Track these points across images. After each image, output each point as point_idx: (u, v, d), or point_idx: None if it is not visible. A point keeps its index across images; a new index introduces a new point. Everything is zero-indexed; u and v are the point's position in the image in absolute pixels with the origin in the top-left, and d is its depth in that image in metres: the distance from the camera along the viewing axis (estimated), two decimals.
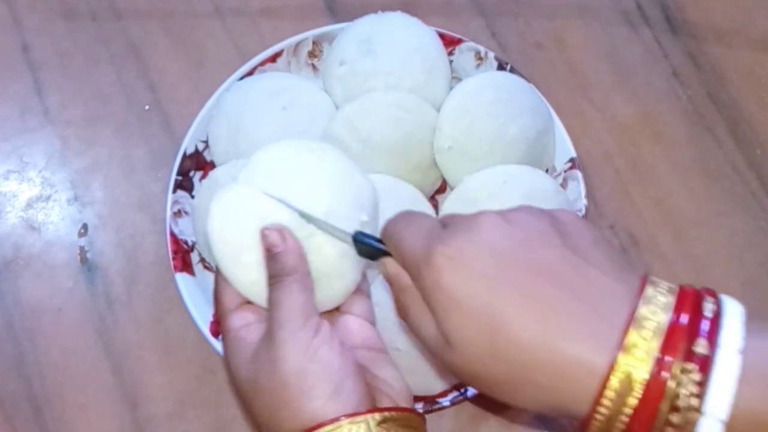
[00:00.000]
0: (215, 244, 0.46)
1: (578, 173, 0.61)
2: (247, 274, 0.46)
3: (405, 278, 0.41)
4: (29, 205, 0.65)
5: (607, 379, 0.34)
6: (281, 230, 0.44)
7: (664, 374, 0.33)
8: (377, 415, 0.41)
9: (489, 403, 0.59)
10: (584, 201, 0.61)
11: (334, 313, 0.48)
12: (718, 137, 0.68)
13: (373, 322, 0.49)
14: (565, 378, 0.35)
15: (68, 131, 0.67)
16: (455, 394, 0.57)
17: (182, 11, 0.70)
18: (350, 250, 0.46)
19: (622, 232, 0.65)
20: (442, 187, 0.63)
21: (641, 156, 0.67)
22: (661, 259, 0.64)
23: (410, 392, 0.46)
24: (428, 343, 0.40)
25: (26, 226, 0.64)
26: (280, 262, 0.44)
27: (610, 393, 0.34)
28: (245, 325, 0.45)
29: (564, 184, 0.62)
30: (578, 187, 0.61)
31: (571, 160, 0.62)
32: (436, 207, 0.61)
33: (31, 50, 0.69)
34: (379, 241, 0.45)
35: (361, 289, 0.49)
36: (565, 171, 0.62)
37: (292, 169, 0.47)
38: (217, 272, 0.48)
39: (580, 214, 0.60)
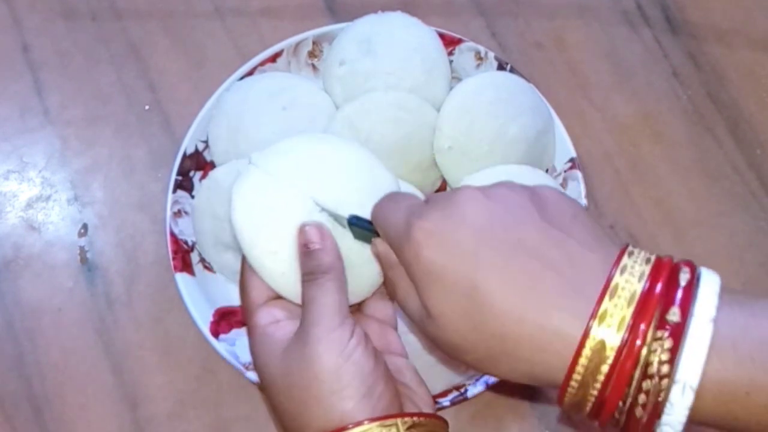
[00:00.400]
0: (243, 232, 0.45)
1: (578, 173, 0.61)
2: (278, 265, 0.45)
3: (392, 255, 0.42)
4: (29, 205, 0.65)
5: (581, 346, 0.35)
6: (320, 227, 0.44)
7: (637, 342, 0.34)
8: (407, 420, 0.41)
9: (504, 388, 0.59)
10: (584, 201, 0.61)
11: (357, 316, 0.48)
12: (718, 137, 0.68)
13: (395, 327, 0.49)
14: (543, 349, 0.36)
15: (68, 131, 0.67)
16: (455, 394, 0.57)
17: (182, 11, 0.70)
18: (367, 247, 0.46)
19: (622, 232, 0.65)
20: (442, 187, 0.64)
21: (641, 156, 0.67)
22: None
23: (431, 398, 0.46)
24: (413, 317, 0.41)
25: (26, 226, 0.64)
26: (317, 260, 0.44)
27: (583, 360, 0.35)
28: (274, 322, 0.45)
29: (564, 184, 0.62)
30: (578, 187, 0.61)
31: (571, 160, 0.62)
32: None
33: (31, 50, 0.69)
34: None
35: (383, 292, 0.48)
36: (565, 171, 0.62)
37: (313, 160, 0.46)
38: (244, 264, 0.47)
39: None
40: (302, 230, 0.44)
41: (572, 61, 0.70)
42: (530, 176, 0.58)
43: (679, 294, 0.35)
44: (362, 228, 0.45)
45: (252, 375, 0.56)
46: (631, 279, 0.35)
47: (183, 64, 0.68)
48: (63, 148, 0.66)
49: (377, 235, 0.44)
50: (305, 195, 0.45)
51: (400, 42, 0.62)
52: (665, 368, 0.34)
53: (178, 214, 0.61)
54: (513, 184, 0.41)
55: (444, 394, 0.57)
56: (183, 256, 0.60)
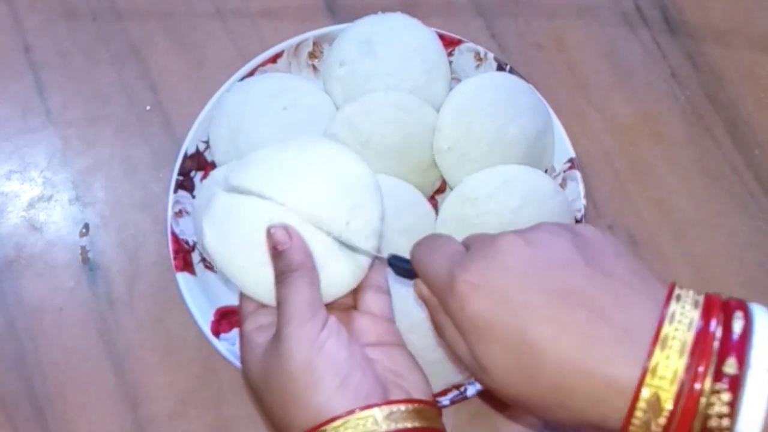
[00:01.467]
0: (215, 256, 0.46)
1: (577, 173, 0.62)
2: (249, 277, 0.46)
3: (435, 300, 0.42)
4: (31, 205, 0.65)
5: (635, 399, 0.34)
6: (286, 227, 0.44)
7: (694, 394, 0.33)
8: (384, 408, 0.41)
9: (492, 401, 0.59)
10: (583, 201, 0.61)
11: (349, 311, 0.48)
12: (716, 137, 0.68)
13: (390, 318, 0.49)
14: (598, 400, 0.35)
15: (69, 131, 0.67)
16: (455, 393, 0.57)
17: (183, 12, 0.70)
18: (333, 245, 0.46)
19: (621, 232, 0.65)
20: (442, 187, 0.64)
21: (640, 156, 0.67)
22: (661, 258, 0.64)
23: (427, 384, 0.46)
24: (465, 364, 0.40)
25: (28, 226, 0.64)
26: (287, 259, 0.44)
27: (638, 413, 0.34)
28: (257, 328, 0.46)
29: (563, 184, 0.62)
30: (577, 187, 0.61)
31: (571, 160, 0.62)
32: (435, 207, 0.62)
33: (32, 50, 0.69)
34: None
35: (379, 286, 0.49)
36: (564, 171, 0.62)
37: (278, 167, 0.46)
38: None
39: (580, 215, 0.60)
40: (269, 233, 0.45)
41: (571, 62, 0.70)
42: (529, 176, 0.59)
43: (734, 340, 0.34)
44: (402, 268, 0.46)
45: None
46: (681, 327, 0.35)
47: (184, 64, 0.69)
48: (64, 148, 0.66)
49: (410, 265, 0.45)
50: (270, 204, 0.45)
51: (400, 43, 0.62)
52: (725, 422, 0.33)
53: (179, 213, 0.61)
54: (551, 226, 0.40)
55: (444, 393, 0.57)
56: (184, 255, 0.60)
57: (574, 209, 0.61)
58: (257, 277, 0.45)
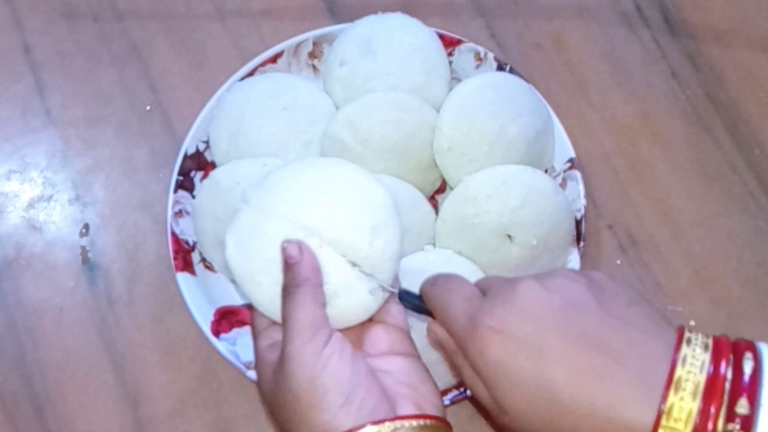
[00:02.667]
0: (234, 270, 0.47)
1: (577, 173, 0.62)
2: (264, 293, 0.46)
3: (452, 342, 0.43)
4: (31, 205, 0.65)
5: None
6: (300, 243, 0.45)
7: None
8: (388, 424, 0.41)
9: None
10: (583, 201, 0.61)
11: (364, 323, 0.48)
12: (716, 138, 0.68)
13: (405, 328, 0.49)
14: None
15: (70, 131, 0.67)
16: (455, 393, 0.57)
17: (183, 12, 0.71)
18: (352, 271, 0.46)
19: (620, 232, 0.65)
20: (442, 187, 0.64)
21: (640, 156, 0.67)
22: (660, 259, 0.64)
23: (438, 398, 0.45)
24: (485, 405, 0.42)
25: (28, 225, 0.64)
26: (293, 273, 0.44)
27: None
28: (270, 345, 0.46)
29: (563, 184, 0.62)
30: (577, 187, 0.61)
31: (570, 160, 0.62)
32: (435, 207, 0.62)
33: (32, 51, 0.69)
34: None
35: (394, 299, 0.49)
36: (564, 171, 0.63)
37: (301, 189, 0.47)
38: None
39: (579, 214, 0.60)
40: (283, 247, 0.45)
41: (571, 62, 0.70)
42: (529, 176, 0.59)
43: (745, 382, 0.35)
44: (412, 303, 0.47)
45: (252, 374, 0.56)
46: (693, 370, 0.36)
47: (184, 64, 0.69)
48: (64, 148, 0.66)
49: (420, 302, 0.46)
50: (294, 225, 0.46)
51: (400, 43, 0.62)
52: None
53: (179, 214, 0.61)
54: (568, 273, 0.42)
55: (444, 393, 0.57)
56: (184, 255, 0.60)
57: (574, 209, 0.61)
58: (271, 295, 0.45)
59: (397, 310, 0.49)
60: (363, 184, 0.47)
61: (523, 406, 0.39)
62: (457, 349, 0.43)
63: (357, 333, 0.47)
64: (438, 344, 0.45)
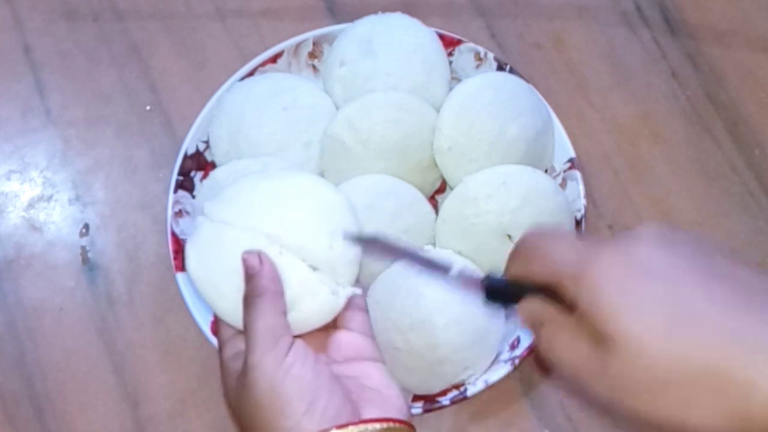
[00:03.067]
0: (196, 282, 0.47)
1: (577, 173, 0.62)
2: (227, 303, 0.46)
3: (548, 310, 0.37)
4: (31, 205, 0.65)
5: None
6: (260, 254, 0.45)
7: None
8: (352, 428, 0.41)
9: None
10: (583, 201, 0.61)
11: (328, 329, 0.48)
12: (716, 137, 0.68)
13: (369, 335, 0.48)
14: (756, 383, 0.30)
15: (70, 131, 0.67)
16: (455, 393, 0.57)
17: (183, 12, 0.71)
18: (313, 275, 0.46)
19: (620, 232, 0.65)
20: (442, 187, 0.64)
21: (640, 156, 0.67)
22: None
23: (403, 401, 0.45)
24: (579, 371, 0.35)
25: (28, 225, 0.64)
26: (254, 283, 0.44)
27: None
28: (234, 354, 0.46)
29: (563, 184, 0.62)
30: (577, 187, 0.61)
31: (570, 160, 0.62)
32: (435, 207, 0.62)
33: (32, 51, 0.69)
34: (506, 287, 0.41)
35: (357, 304, 0.48)
36: (564, 171, 0.63)
37: (254, 198, 0.47)
38: None
39: (579, 214, 0.60)
40: (243, 258, 0.45)
41: (571, 62, 0.70)
42: (529, 176, 0.59)
43: None
44: (498, 289, 0.41)
45: None
46: None
47: (184, 64, 0.69)
48: (64, 148, 0.66)
49: (513, 294, 0.40)
50: (253, 234, 0.46)
51: (400, 43, 0.62)
52: None
53: (179, 213, 0.61)
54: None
55: (443, 393, 0.57)
56: (184, 255, 0.60)
57: (574, 209, 0.61)
58: (235, 305, 0.46)
59: (361, 317, 0.48)
60: (319, 191, 0.48)
61: (649, 330, 0.32)
62: (550, 318, 0.37)
63: (321, 338, 0.47)
64: (531, 319, 0.39)
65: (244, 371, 0.43)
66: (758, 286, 0.33)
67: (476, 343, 0.57)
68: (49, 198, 0.65)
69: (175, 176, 0.61)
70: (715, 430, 0.31)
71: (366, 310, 0.49)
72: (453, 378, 0.58)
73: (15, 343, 0.61)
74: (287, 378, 0.42)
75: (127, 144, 0.66)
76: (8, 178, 0.66)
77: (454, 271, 0.44)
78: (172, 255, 0.59)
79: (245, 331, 0.44)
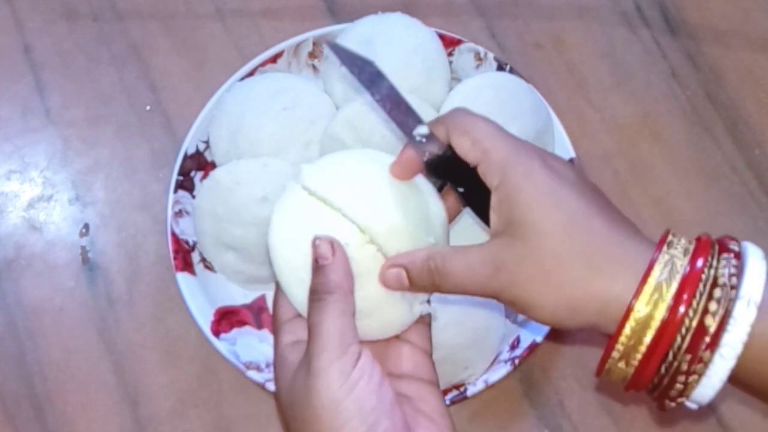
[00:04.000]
0: (275, 257, 0.43)
1: None
2: (298, 286, 0.43)
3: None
4: (31, 204, 0.65)
5: (650, 267, 0.37)
6: (333, 242, 0.42)
7: (707, 262, 0.37)
8: None
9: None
10: None
11: (390, 339, 0.45)
12: (716, 137, 0.68)
13: (428, 351, 0.46)
14: (620, 261, 0.38)
15: (70, 131, 0.67)
16: (455, 393, 0.57)
17: (183, 12, 0.71)
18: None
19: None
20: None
21: (640, 156, 0.67)
22: None
23: (453, 429, 0.43)
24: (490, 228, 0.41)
25: (28, 225, 0.64)
26: (325, 276, 0.41)
27: (655, 272, 0.37)
28: (293, 343, 0.43)
29: None
30: None
31: (570, 160, 0.62)
32: None
33: (32, 51, 0.69)
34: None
35: (423, 319, 0.46)
36: None
37: (360, 181, 0.43)
38: (278, 284, 0.45)
39: None
40: (314, 244, 0.42)
41: (571, 62, 0.70)
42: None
43: (733, 248, 0.38)
44: (439, 163, 0.43)
45: (252, 374, 0.56)
46: (683, 243, 0.39)
47: (184, 64, 0.69)
48: (64, 148, 0.66)
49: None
50: (341, 219, 0.42)
51: (400, 43, 0.62)
52: (734, 280, 0.36)
53: (179, 214, 0.61)
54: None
55: (444, 393, 0.57)
56: (184, 255, 0.60)
57: None
58: (304, 286, 0.42)
59: (424, 332, 0.46)
60: (427, 198, 0.44)
61: (549, 224, 0.39)
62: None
63: (381, 347, 0.45)
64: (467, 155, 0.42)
65: (306, 374, 0.40)
66: (623, 217, 0.41)
67: (476, 343, 0.57)
68: (49, 198, 0.65)
69: (175, 176, 0.61)
70: (555, 314, 0.39)
71: (429, 326, 0.47)
72: (453, 378, 0.58)
73: (15, 343, 0.61)
74: (351, 395, 0.39)
75: (127, 144, 0.66)
76: (8, 178, 0.66)
77: (419, 131, 0.44)
78: (172, 255, 0.59)
79: (310, 330, 0.41)
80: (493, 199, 0.41)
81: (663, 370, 0.37)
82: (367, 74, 0.45)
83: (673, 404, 0.38)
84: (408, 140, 0.44)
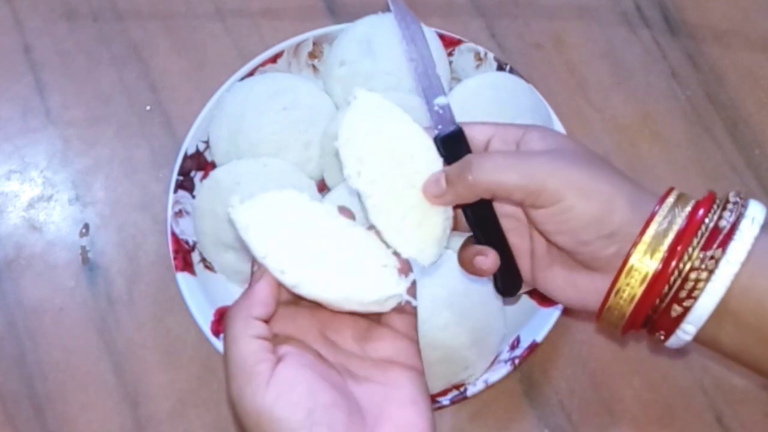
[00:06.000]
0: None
1: None
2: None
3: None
4: (31, 205, 0.65)
5: (665, 196, 0.42)
6: (261, 267, 0.43)
7: (700, 217, 0.41)
8: None
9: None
10: None
11: (371, 322, 0.45)
12: (716, 137, 0.68)
13: (412, 338, 0.45)
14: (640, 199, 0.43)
15: (70, 131, 0.67)
16: (455, 393, 0.57)
17: (183, 12, 0.71)
18: (391, 258, 0.44)
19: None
20: None
21: (640, 156, 0.67)
22: None
23: (427, 420, 0.41)
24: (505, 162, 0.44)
25: (28, 225, 0.64)
26: (244, 299, 0.42)
27: (669, 200, 0.42)
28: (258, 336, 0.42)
29: None
30: None
31: None
32: None
33: (32, 51, 0.69)
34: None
35: (407, 309, 0.45)
36: None
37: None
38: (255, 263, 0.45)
39: None
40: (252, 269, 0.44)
41: (571, 62, 0.70)
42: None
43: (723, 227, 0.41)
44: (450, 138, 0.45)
45: None
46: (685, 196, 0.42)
47: (184, 64, 0.69)
48: (64, 148, 0.66)
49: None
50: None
51: (400, 43, 0.62)
52: (741, 204, 0.41)
53: (179, 214, 0.61)
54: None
55: (444, 393, 0.57)
56: (184, 255, 0.60)
57: None
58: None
59: (408, 320, 0.45)
60: (446, 210, 0.46)
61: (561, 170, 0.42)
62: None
63: (363, 330, 0.44)
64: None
65: (229, 402, 0.42)
66: (615, 170, 0.45)
67: (476, 343, 0.57)
68: (49, 198, 0.65)
69: (175, 176, 0.61)
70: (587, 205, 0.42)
71: (415, 315, 0.46)
72: (453, 378, 0.58)
73: (15, 343, 0.61)
74: (272, 415, 0.39)
75: (127, 144, 0.66)
76: (8, 178, 0.66)
77: (439, 102, 0.46)
78: (172, 255, 0.59)
79: (223, 356, 0.41)
80: None
81: (666, 289, 0.40)
82: (411, 32, 0.48)
83: (666, 336, 0.42)
84: (428, 106, 0.46)
